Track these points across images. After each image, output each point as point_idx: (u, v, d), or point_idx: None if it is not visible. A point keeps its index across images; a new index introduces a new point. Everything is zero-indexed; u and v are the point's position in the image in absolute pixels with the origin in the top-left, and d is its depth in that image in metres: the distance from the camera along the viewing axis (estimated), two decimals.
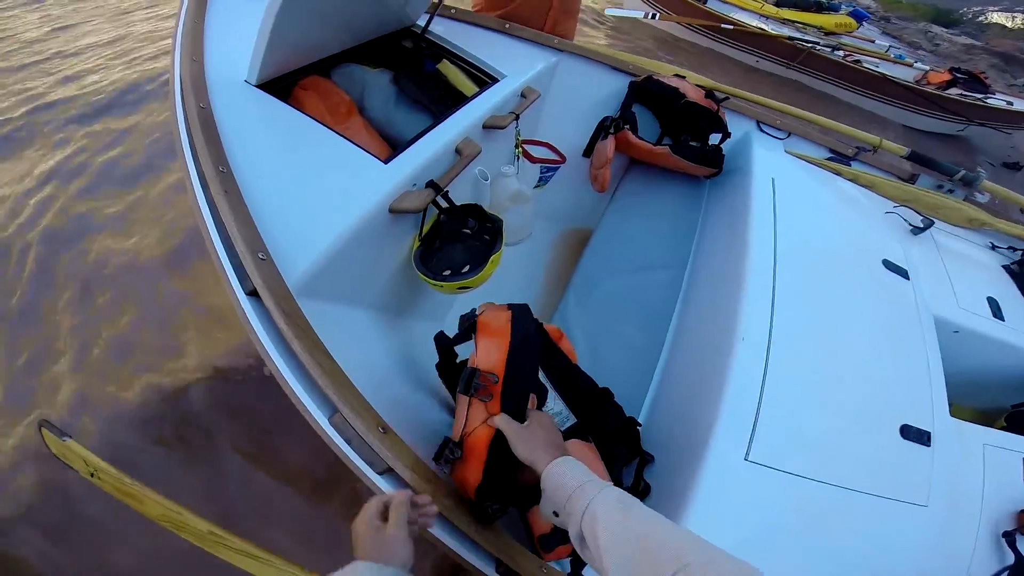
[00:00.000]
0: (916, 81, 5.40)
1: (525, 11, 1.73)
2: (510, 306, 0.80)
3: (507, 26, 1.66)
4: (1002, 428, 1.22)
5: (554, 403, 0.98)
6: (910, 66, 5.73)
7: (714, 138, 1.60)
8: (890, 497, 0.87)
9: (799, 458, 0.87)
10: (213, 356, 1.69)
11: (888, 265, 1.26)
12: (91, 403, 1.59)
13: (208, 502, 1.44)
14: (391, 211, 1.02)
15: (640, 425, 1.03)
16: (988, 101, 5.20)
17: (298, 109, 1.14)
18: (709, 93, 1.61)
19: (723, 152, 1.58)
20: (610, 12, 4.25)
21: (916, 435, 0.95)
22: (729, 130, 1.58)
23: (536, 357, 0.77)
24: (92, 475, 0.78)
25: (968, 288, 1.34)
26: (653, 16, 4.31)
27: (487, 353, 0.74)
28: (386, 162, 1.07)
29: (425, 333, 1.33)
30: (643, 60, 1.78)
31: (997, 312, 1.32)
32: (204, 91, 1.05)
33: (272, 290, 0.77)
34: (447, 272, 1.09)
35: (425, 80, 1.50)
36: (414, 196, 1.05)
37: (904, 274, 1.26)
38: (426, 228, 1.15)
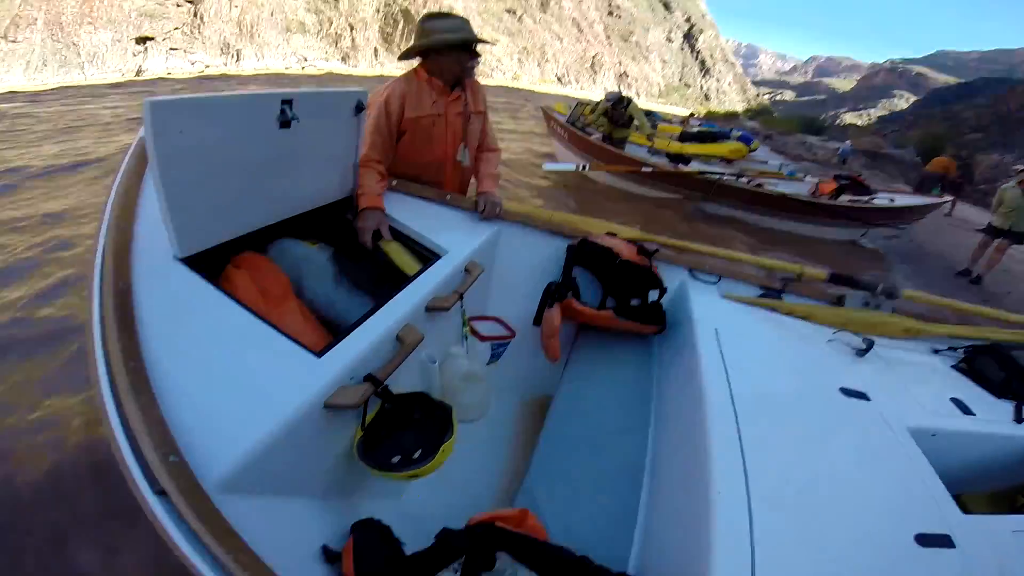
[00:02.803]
0: (812, 194, 6.17)
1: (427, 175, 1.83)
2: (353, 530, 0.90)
3: (448, 197, 1.72)
4: None
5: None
6: (802, 180, 6.60)
7: (654, 294, 1.65)
8: None
9: None
10: None
11: (846, 392, 1.27)
12: None
13: None
14: (327, 407, 0.94)
15: None
16: (874, 202, 5.96)
17: (228, 290, 1.07)
18: (641, 248, 1.70)
19: (663, 308, 1.62)
20: (547, 167, 4.80)
21: (936, 540, 0.90)
22: (665, 284, 1.64)
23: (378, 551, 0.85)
24: None
25: (929, 394, 1.36)
26: (584, 167, 4.88)
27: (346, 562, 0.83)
28: (320, 355, 0.99)
29: (380, 513, 1.17)
30: (576, 219, 1.89)
31: (966, 409, 1.33)
32: (127, 266, 0.98)
33: (184, 492, 0.69)
34: (396, 459, 1.00)
35: (366, 257, 1.50)
36: (351, 392, 0.97)
37: (864, 397, 1.26)
38: (369, 418, 1.06)
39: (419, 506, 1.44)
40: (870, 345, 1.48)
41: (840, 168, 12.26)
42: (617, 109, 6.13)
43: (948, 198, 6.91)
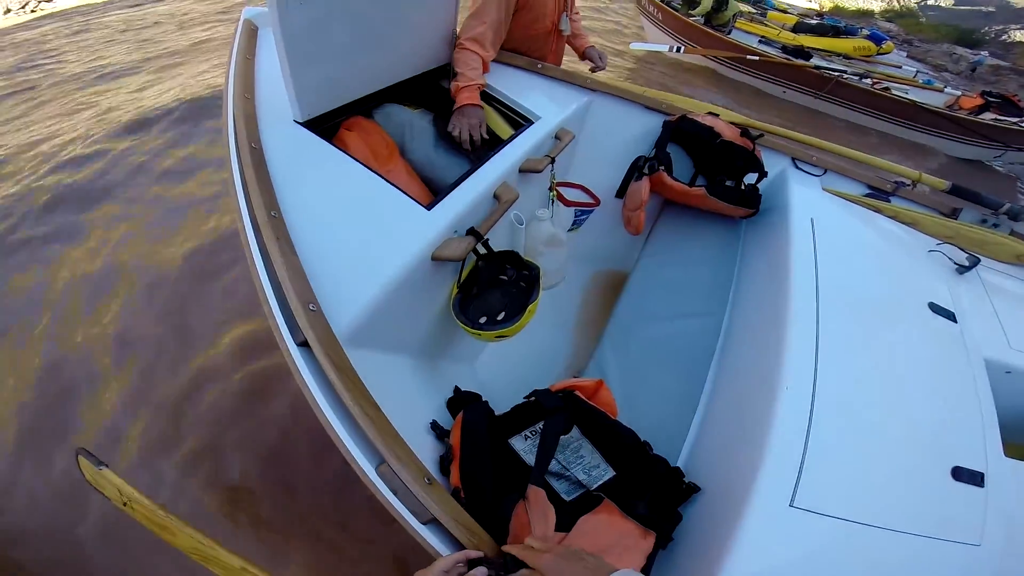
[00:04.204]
0: (948, 106, 5.27)
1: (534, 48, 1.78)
2: (464, 408, 0.99)
3: (539, 66, 1.69)
4: None
5: (591, 456, 0.97)
6: (940, 91, 5.61)
7: (750, 178, 1.58)
8: (940, 538, 0.83)
9: (846, 503, 0.84)
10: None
11: (934, 308, 1.22)
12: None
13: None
14: (433, 259, 1.04)
15: (684, 476, 1.00)
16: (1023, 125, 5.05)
17: (343, 149, 1.18)
18: (744, 131, 1.60)
19: (760, 192, 1.56)
20: (635, 47, 4.29)
21: (968, 476, 0.91)
22: (765, 169, 1.57)
23: (483, 436, 0.92)
24: (125, 504, 0.78)
25: (1019, 328, 1.28)
26: (678, 49, 4.34)
27: (455, 435, 0.92)
28: (428, 208, 1.09)
29: (459, 376, 1.31)
30: (676, 98, 1.79)
31: None
32: (256, 130, 1.10)
33: (322, 341, 0.79)
34: (483, 319, 1.10)
35: None
36: (456, 244, 1.07)
37: (951, 317, 1.21)
38: (464, 274, 1.16)
39: (493, 371, 1.58)
40: (974, 263, 1.38)
41: (969, 78, 10.08)
42: None
43: None
